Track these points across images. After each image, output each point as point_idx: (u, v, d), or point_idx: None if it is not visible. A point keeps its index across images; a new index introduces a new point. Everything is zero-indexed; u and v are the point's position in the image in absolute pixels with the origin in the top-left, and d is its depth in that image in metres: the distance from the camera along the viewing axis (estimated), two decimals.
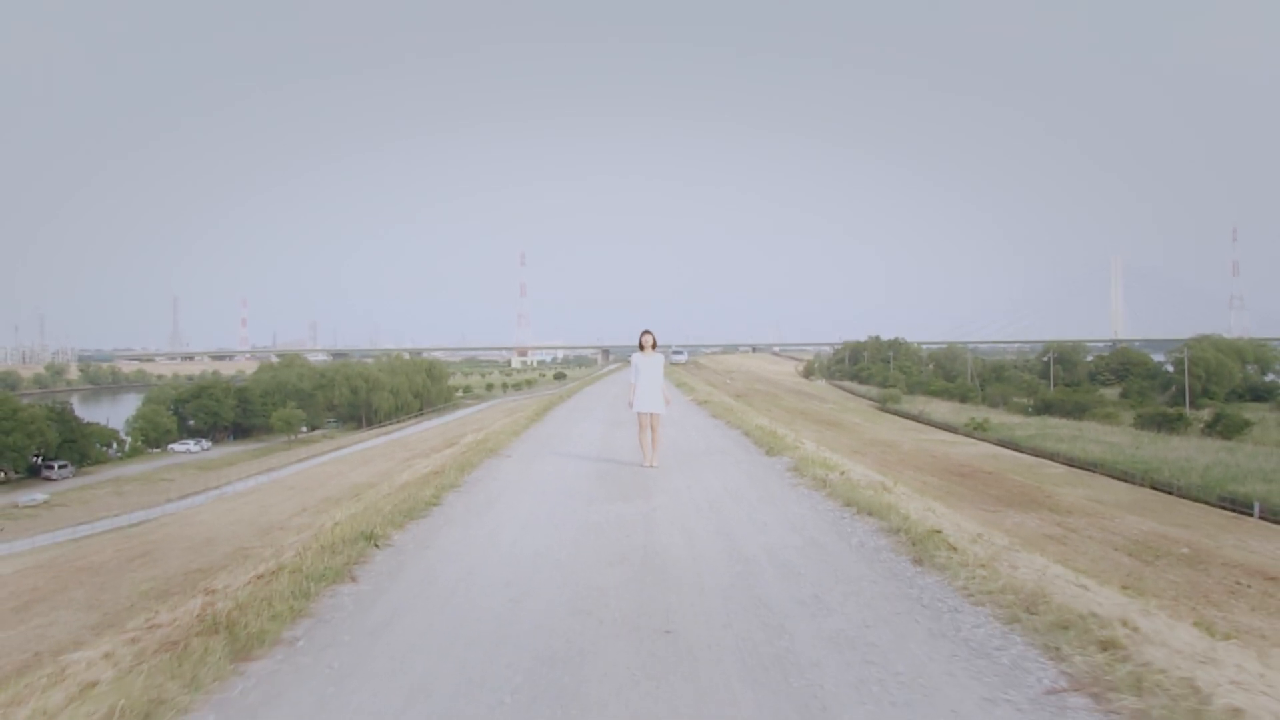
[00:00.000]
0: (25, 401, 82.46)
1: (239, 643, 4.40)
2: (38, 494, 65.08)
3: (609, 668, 4.15)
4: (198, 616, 5.13)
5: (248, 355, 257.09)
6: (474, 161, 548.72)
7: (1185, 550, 23.70)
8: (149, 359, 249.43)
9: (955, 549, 6.03)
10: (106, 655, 4.92)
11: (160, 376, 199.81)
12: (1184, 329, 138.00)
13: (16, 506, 61.04)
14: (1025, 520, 25.91)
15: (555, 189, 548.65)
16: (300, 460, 69.01)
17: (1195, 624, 5.64)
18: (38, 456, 75.13)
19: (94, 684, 4.36)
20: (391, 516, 7.64)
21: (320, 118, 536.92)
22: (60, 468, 75.29)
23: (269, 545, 12.59)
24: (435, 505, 8.69)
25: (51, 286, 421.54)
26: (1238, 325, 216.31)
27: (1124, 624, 4.53)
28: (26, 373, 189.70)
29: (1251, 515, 37.27)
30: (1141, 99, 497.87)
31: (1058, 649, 4.17)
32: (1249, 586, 20.04)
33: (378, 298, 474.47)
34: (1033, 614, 4.68)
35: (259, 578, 6.02)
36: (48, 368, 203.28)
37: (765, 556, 6.31)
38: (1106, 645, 4.13)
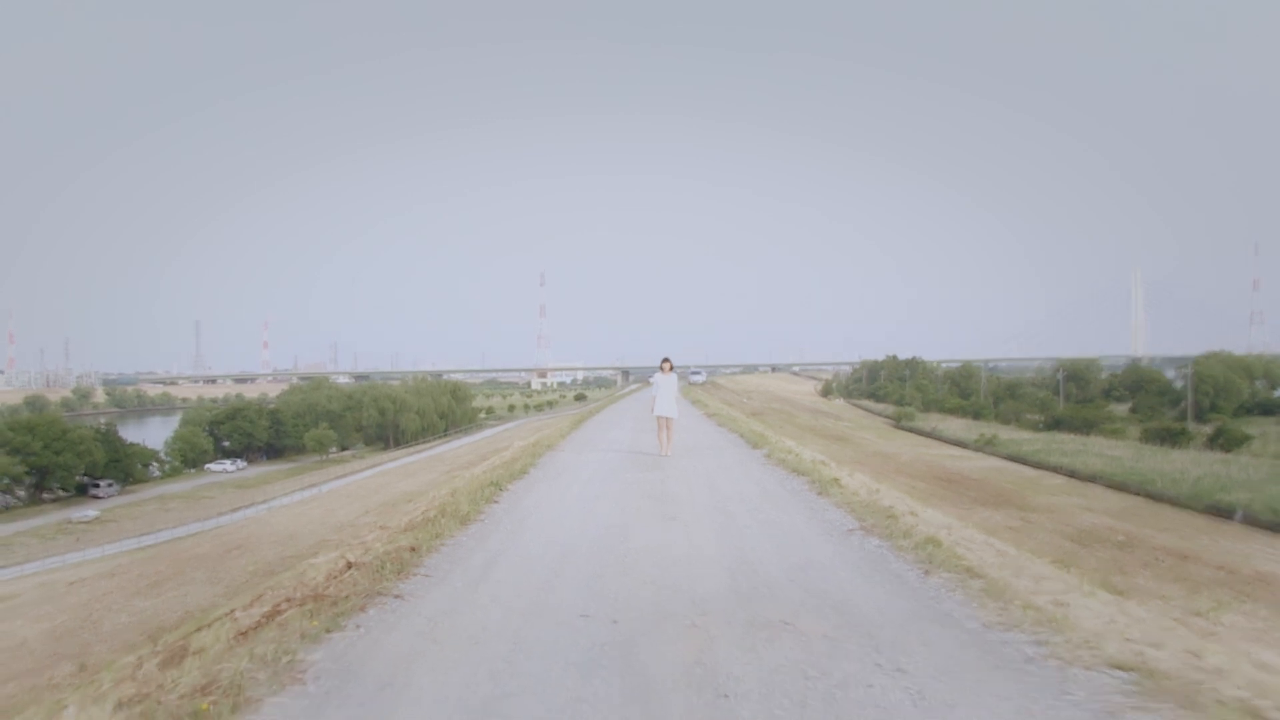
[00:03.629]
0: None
1: (458, 520, 8.73)
2: (89, 511, 68.28)
3: (642, 528, 8.57)
4: (412, 522, 9.37)
5: (270, 378, 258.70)
6: (488, 177, 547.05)
7: (1121, 538, 27.61)
8: (172, 382, 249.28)
9: (844, 488, 10.35)
10: (334, 561, 9.05)
11: (185, 399, 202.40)
12: (1204, 345, 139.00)
13: (70, 522, 64.30)
14: (993, 515, 29.66)
15: (571, 208, 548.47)
16: (340, 476, 72.34)
17: (975, 527, 9.86)
18: (85, 476, 78.49)
19: (369, 549, 8.49)
20: (502, 478, 12.04)
21: (333, 133, 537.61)
22: (107, 486, 78.69)
23: (347, 537, 16.69)
24: (524, 474, 13.22)
25: (74, 311, 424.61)
26: (1258, 341, 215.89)
27: (910, 513, 8.79)
28: (53, 396, 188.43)
29: (1233, 520, 39.54)
30: (1163, 114, 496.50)
31: (864, 519, 8.50)
32: (1161, 561, 24.00)
33: (397, 320, 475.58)
34: (865, 509, 8.95)
35: (430, 508, 10.29)
36: (74, 391, 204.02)
37: (734, 494, 10.68)
38: (888, 517, 8.42)
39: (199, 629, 6.27)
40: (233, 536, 34.59)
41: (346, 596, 5.94)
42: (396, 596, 5.95)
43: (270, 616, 5.79)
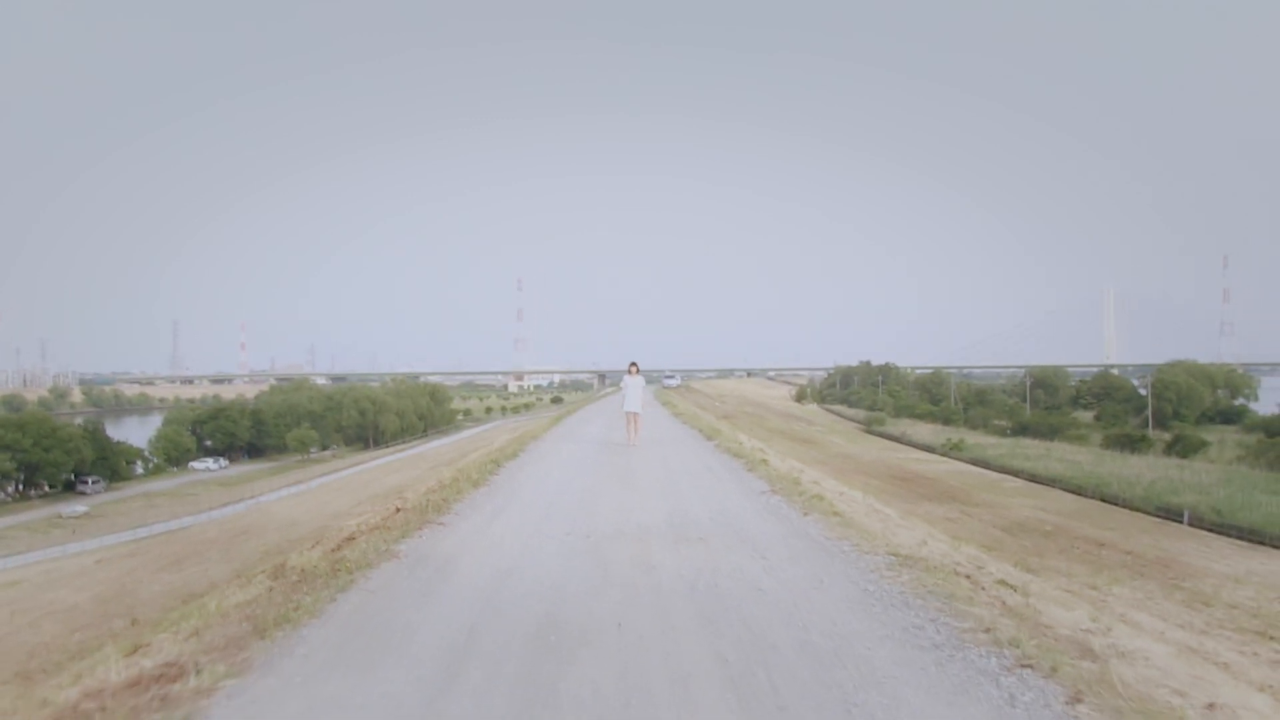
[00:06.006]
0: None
1: (470, 483, 11.46)
2: (78, 506, 69.94)
3: (608, 490, 11.39)
4: (429, 489, 12.05)
5: (246, 379, 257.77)
6: (488, 177, 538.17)
7: (1049, 528, 30.64)
8: (149, 382, 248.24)
9: (770, 467, 13.14)
10: (374, 516, 11.73)
11: (162, 400, 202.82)
12: (1178, 355, 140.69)
13: (61, 517, 66.18)
14: (935, 509, 32.62)
15: (571, 208, 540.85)
16: (326, 474, 74.43)
17: (854, 486, 12.64)
18: (72, 473, 79.97)
19: (405, 506, 11.17)
20: (499, 458, 14.80)
21: (333, 133, 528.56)
22: (93, 483, 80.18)
23: (344, 522, 19.22)
24: (516, 457, 16.11)
25: (51, 310, 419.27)
26: (1228, 351, 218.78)
27: (814, 483, 11.57)
28: (30, 396, 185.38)
29: (1181, 522, 41.12)
30: (1161, 117, 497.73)
31: (775, 484, 11.30)
32: (1077, 548, 26.98)
33: (381, 322, 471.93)
34: (780, 480, 11.74)
35: (445, 476, 12.98)
36: (51, 391, 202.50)
37: (683, 471, 13.55)
38: (794, 483, 11.22)
39: (287, 559, 8.94)
40: (237, 524, 37.04)
41: (404, 525, 8.66)
42: (439, 524, 8.74)
43: (349, 540, 8.46)
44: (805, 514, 9.19)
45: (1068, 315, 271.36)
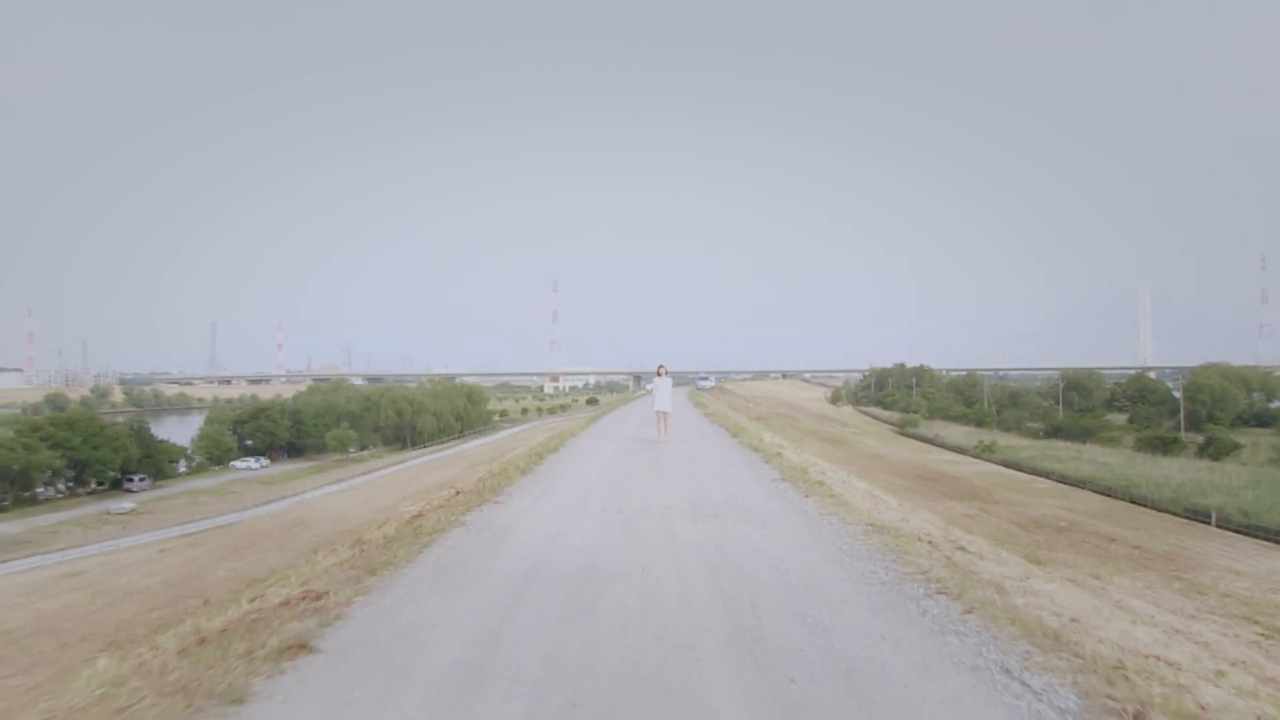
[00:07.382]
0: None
1: (518, 471, 13.06)
2: (125, 503, 72.15)
3: (639, 479, 12.97)
4: (481, 478, 13.66)
5: (283, 379, 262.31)
6: (488, 177, 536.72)
7: (1064, 524, 31.76)
8: (188, 383, 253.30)
9: (784, 459, 14.60)
10: (435, 499, 13.33)
11: (200, 400, 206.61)
12: (1215, 357, 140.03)
13: (110, 513, 68.46)
14: (956, 506, 33.86)
15: (572, 208, 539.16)
16: (367, 472, 76.66)
17: (877, 485, 14.10)
18: (119, 470, 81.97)
19: (463, 490, 12.76)
20: (541, 452, 16.44)
21: (333, 133, 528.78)
22: (139, 481, 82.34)
23: (402, 508, 20.82)
24: (556, 451, 17.78)
25: (91, 311, 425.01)
26: (1266, 353, 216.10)
27: (820, 471, 13.04)
28: (72, 395, 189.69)
29: (1209, 523, 40.16)
30: (1165, 116, 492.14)
31: (785, 474, 12.78)
32: (1087, 542, 28.13)
33: (397, 322, 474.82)
34: (790, 469, 13.23)
35: (495, 467, 14.59)
36: (93, 390, 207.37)
37: (705, 463, 15.08)
38: (802, 472, 12.70)
39: (363, 533, 10.57)
40: (288, 518, 39.02)
41: (465, 504, 10.30)
42: (495, 503, 10.39)
43: (419, 515, 10.06)
44: (806, 496, 10.72)
45: (1067, 316, 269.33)
